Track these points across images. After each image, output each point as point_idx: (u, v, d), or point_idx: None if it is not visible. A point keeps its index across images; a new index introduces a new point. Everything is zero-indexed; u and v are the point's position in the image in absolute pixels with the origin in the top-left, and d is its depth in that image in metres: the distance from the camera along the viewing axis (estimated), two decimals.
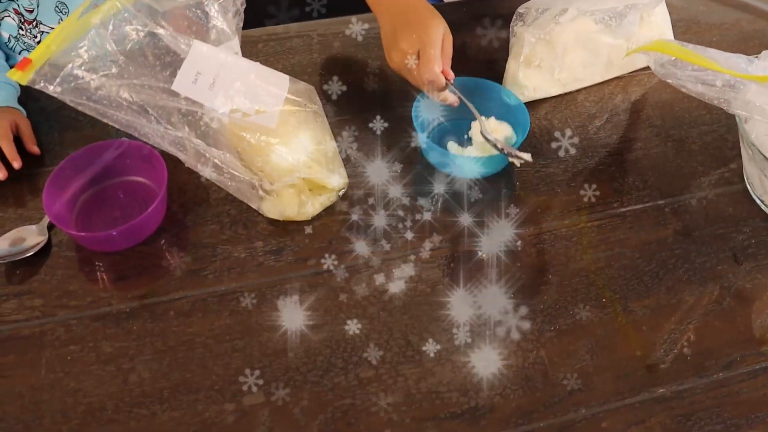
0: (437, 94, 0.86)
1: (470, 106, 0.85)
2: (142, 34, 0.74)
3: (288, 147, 0.77)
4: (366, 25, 1.00)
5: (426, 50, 0.82)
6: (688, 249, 0.82)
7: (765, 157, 0.79)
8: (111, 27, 0.73)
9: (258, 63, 0.79)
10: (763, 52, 0.86)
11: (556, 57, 0.96)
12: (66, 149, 0.86)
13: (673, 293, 0.78)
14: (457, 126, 0.89)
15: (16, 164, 0.84)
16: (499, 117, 0.89)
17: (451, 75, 0.85)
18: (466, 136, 0.89)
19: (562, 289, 0.77)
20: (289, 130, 0.78)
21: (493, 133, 0.86)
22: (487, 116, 0.88)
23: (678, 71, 0.80)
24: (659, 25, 1.04)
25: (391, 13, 0.88)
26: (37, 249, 0.78)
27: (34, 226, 0.79)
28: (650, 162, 0.90)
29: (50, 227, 0.80)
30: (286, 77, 0.80)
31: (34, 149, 0.87)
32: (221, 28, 0.78)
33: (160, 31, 0.74)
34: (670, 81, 0.81)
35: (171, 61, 0.75)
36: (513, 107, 0.89)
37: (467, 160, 0.85)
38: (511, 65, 0.97)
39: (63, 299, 0.75)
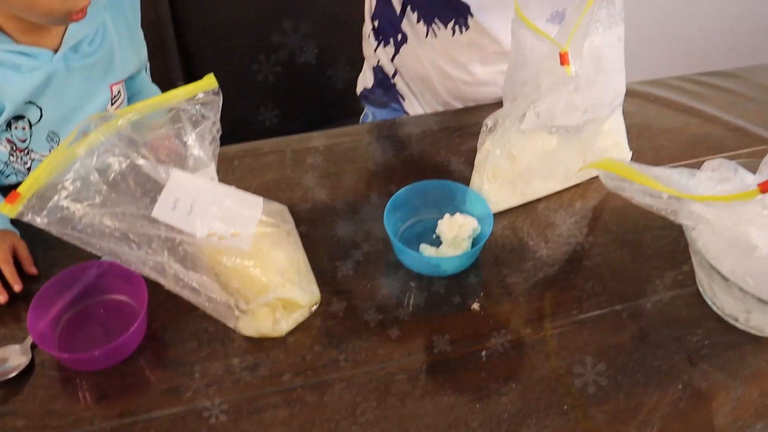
0: None
1: None
2: (124, 164, 0.79)
3: (262, 268, 0.82)
4: (335, 140, 1.06)
5: None
6: (644, 352, 0.86)
7: (711, 265, 0.85)
8: (95, 158, 0.78)
9: (233, 187, 0.84)
10: (705, 163, 0.92)
11: (518, 172, 1.02)
12: (50, 268, 0.90)
13: (632, 397, 0.82)
14: (428, 226, 0.96)
15: (17, 287, 0.88)
16: (465, 212, 0.95)
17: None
18: (434, 235, 0.95)
19: (525, 397, 0.81)
20: (264, 251, 0.83)
21: (461, 227, 0.92)
22: (452, 213, 0.94)
23: (626, 185, 0.86)
24: (615, 134, 1.11)
25: None
26: (20, 370, 0.80)
27: (17, 346, 0.82)
28: (608, 267, 0.95)
29: (33, 346, 0.83)
30: (260, 199, 0.85)
31: (32, 270, 0.91)
32: (198, 156, 0.83)
33: (141, 161, 0.79)
34: (620, 193, 0.87)
35: (151, 189, 0.80)
36: (477, 204, 0.96)
37: (440, 261, 0.91)
38: (476, 178, 1.02)
39: (46, 419, 0.77)
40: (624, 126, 1.12)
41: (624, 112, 1.15)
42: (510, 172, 1.02)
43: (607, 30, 0.99)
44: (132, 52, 1.14)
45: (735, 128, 1.20)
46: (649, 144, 1.16)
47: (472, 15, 1.17)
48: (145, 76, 1.25)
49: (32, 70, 1.00)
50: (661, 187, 0.80)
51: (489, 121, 1.03)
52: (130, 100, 1.21)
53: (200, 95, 0.84)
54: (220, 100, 0.86)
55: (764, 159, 0.87)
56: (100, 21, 1.06)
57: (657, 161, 1.12)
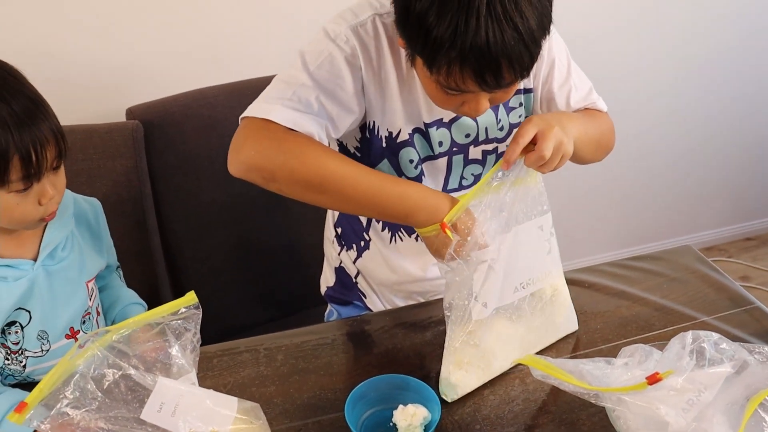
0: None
1: None
2: (117, 374, 0.92)
3: None
4: (303, 338, 1.20)
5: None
6: None
7: None
8: (92, 369, 0.91)
9: (211, 390, 0.97)
10: (622, 349, 1.07)
11: (481, 356, 1.15)
12: None
13: None
14: (386, 415, 1.07)
15: None
16: (417, 402, 1.07)
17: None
18: (390, 424, 1.06)
19: None
20: None
21: (413, 416, 1.04)
22: (405, 404, 1.06)
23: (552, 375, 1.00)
24: (565, 307, 1.26)
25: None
26: None
27: None
28: None
29: None
30: (235, 399, 0.98)
31: None
32: (181, 364, 0.96)
33: (131, 371, 0.92)
34: (547, 381, 1.00)
35: (140, 394, 0.92)
36: (425, 393, 1.08)
37: None
38: (444, 370, 1.14)
39: None
40: (572, 305, 1.28)
41: None
42: (475, 358, 1.15)
43: (528, 221, 1.17)
44: (97, 253, 1.32)
45: (661, 308, 1.35)
46: (584, 328, 1.31)
47: None
48: (119, 280, 1.42)
49: (17, 279, 1.16)
50: (575, 381, 0.93)
51: (447, 319, 1.14)
52: (111, 305, 1.37)
53: (182, 310, 0.99)
54: (200, 313, 1.00)
55: (667, 345, 1.02)
56: (68, 229, 1.24)
57: (591, 343, 1.27)
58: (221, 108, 1.70)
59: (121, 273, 1.45)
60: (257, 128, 1.12)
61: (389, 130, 1.25)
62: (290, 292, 1.85)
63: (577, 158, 1.23)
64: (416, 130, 1.27)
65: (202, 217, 1.73)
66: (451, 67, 1.01)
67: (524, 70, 1.04)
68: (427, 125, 1.26)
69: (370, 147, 1.28)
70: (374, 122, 1.25)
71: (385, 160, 1.29)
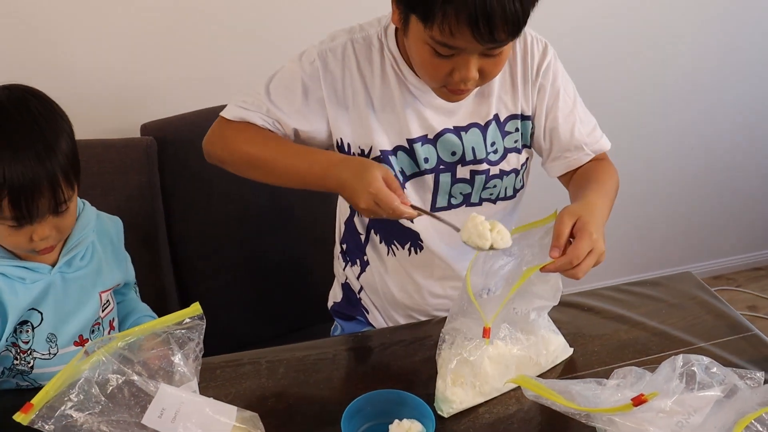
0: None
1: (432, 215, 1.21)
2: (120, 380, 0.95)
3: None
4: (304, 352, 1.24)
5: (382, 199, 1.13)
6: None
7: None
8: (97, 374, 0.95)
9: (211, 398, 1.00)
10: (615, 371, 1.09)
11: (476, 374, 1.18)
12: None
13: None
14: (382, 430, 1.09)
15: None
16: (410, 416, 1.09)
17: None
18: None
19: None
20: None
21: (408, 431, 1.07)
22: (401, 419, 1.09)
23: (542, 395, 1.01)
24: (555, 339, 1.29)
25: (338, 168, 1.20)
26: None
27: None
28: None
29: None
30: (234, 408, 1.01)
31: None
32: (183, 372, 0.99)
33: (135, 377, 0.95)
34: (539, 401, 1.02)
35: (142, 399, 0.95)
36: (420, 409, 1.10)
37: None
38: (440, 384, 1.17)
39: None
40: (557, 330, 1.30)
41: (557, 321, 1.33)
42: (470, 376, 1.17)
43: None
44: (116, 267, 1.36)
45: (659, 333, 1.36)
46: (582, 350, 1.32)
47: (422, 241, 1.39)
48: (135, 295, 1.46)
49: (34, 282, 1.21)
50: (565, 402, 0.95)
51: (446, 336, 1.19)
52: (125, 317, 1.41)
53: (186, 320, 1.03)
54: (203, 324, 1.04)
55: (658, 368, 1.03)
56: (89, 241, 1.29)
57: (587, 366, 1.29)
58: None
59: (137, 290, 1.49)
60: (213, 127, 1.36)
61: (361, 147, 1.33)
62: (297, 308, 1.88)
63: None
64: (399, 147, 1.32)
65: (212, 232, 1.77)
66: (447, 17, 1.07)
67: (515, 28, 1.09)
68: (412, 141, 1.31)
69: None
70: (342, 139, 1.33)
71: None
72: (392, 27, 1.29)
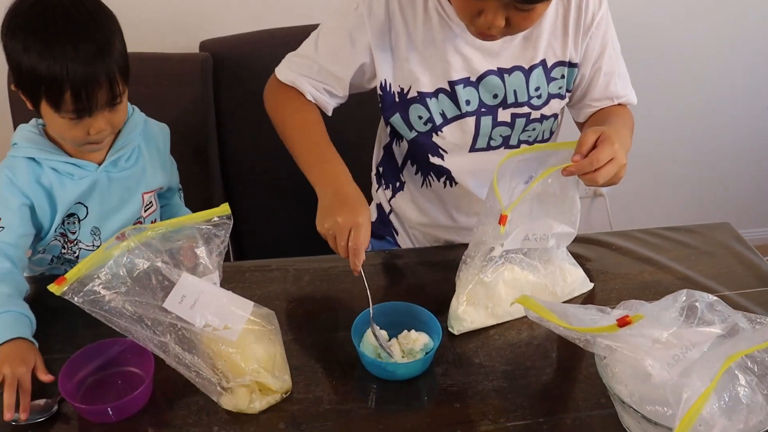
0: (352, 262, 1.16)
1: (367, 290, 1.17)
2: (146, 265, 1.03)
3: (243, 356, 1.03)
4: (331, 264, 1.30)
5: (359, 231, 1.14)
6: None
7: (612, 390, 1.01)
8: (125, 258, 1.03)
9: (230, 292, 1.07)
10: (621, 303, 1.10)
11: (490, 296, 1.22)
12: (83, 341, 1.11)
13: None
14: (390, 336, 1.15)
15: (23, 416, 1.03)
16: (420, 329, 1.15)
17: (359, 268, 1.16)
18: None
19: None
20: (246, 343, 1.04)
21: (414, 341, 1.13)
22: (409, 330, 1.14)
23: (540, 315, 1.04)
24: (574, 271, 1.31)
25: (328, 191, 1.22)
26: (48, 416, 1.03)
27: (49, 399, 1.05)
28: (539, 387, 1.12)
29: (61, 400, 1.05)
30: (251, 303, 1.07)
31: (47, 378, 1.06)
32: (206, 265, 1.07)
33: (160, 264, 1.03)
34: (542, 324, 1.05)
35: (165, 286, 1.03)
36: (430, 323, 1.15)
37: (394, 366, 1.10)
38: (454, 302, 1.22)
39: None
40: (578, 267, 1.32)
41: (583, 257, 1.35)
42: (483, 297, 1.21)
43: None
44: (161, 171, 1.44)
45: (684, 277, 1.37)
46: (602, 287, 1.34)
47: (455, 177, 1.42)
48: (179, 200, 1.54)
49: (81, 178, 1.30)
50: (567, 325, 0.98)
51: (466, 257, 1.24)
52: (164, 217, 1.49)
53: (215, 218, 1.09)
54: (230, 223, 1.10)
55: (660, 300, 1.04)
56: (135, 144, 1.37)
57: (605, 302, 1.29)
58: (289, 49, 1.77)
59: (182, 195, 1.57)
60: (271, 80, 1.45)
61: (401, 86, 1.36)
62: None
63: None
64: (441, 90, 1.34)
65: (262, 150, 1.83)
66: None
67: None
68: (453, 83, 1.33)
69: (384, 102, 1.40)
70: (386, 80, 1.36)
71: (397, 114, 1.39)
72: None
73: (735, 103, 2.56)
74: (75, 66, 1.15)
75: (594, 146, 1.15)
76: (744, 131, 2.63)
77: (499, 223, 1.13)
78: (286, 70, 1.40)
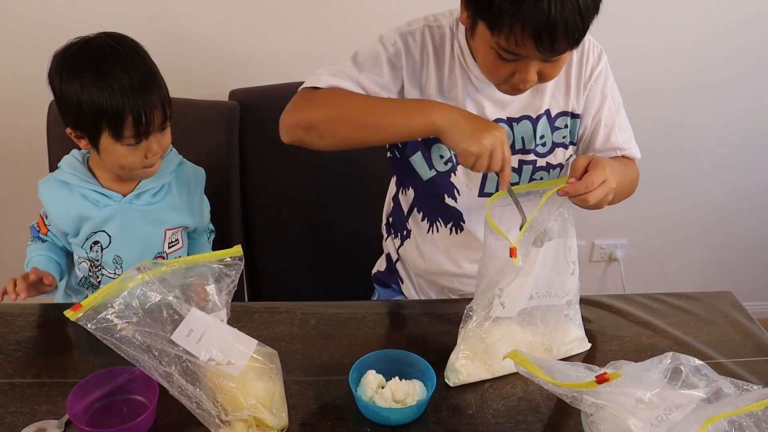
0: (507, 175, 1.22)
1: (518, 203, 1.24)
2: (159, 298, 1.09)
3: (242, 392, 1.08)
4: (336, 310, 1.35)
5: (507, 145, 1.20)
6: None
7: None
8: (139, 290, 1.09)
9: (235, 329, 1.12)
10: (610, 363, 1.13)
11: (487, 352, 1.26)
12: (93, 368, 1.18)
13: None
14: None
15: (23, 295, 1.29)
16: (415, 378, 1.19)
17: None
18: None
19: None
20: (247, 379, 1.09)
21: (407, 396, 1.16)
22: (405, 378, 1.19)
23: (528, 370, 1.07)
24: (575, 329, 1.34)
25: (453, 116, 1.23)
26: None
27: (56, 421, 1.10)
28: None
29: (68, 423, 1.10)
30: (255, 341, 1.13)
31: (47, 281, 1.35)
32: (215, 302, 1.12)
33: (171, 298, 1.09)
34: (531, 379, 1.09)
35: (175, 319, 1.09)
36: (425, 371, 1.19)
37: (388, 412, 1.13)
38: (452, 356, 1.26)
39: None
40: (581, 325, 1.35)
41: (583, 318, 1.38)
42: (481, 353, 1.25)
43: (558, 239, 1.26)
44: (187, 211, 1.53)
45: (681, 343, 1.39)
46: (599, 347, 1.37)
47: (464, 221, 1.47)
48: (206, 241, 1.62)
49: (105, 206, 1.42)
50: (554, 381, 1.01)
51: (468, 310, 1.27)
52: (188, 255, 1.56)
53: (227, 259, 1.15)
54: (242, 264, 1.16)
55: (645, 361, 1.07)
56: (165, 181, 1.48)
57: (601, 363, 1.27)
58: None
59: (212, 237, 1.65)
60: (297, 97, 1.36)
61: None
62: (351, 277, 1.99)
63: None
64: None
65: (282, 195, 1.91)
66: (513, 29, 1.14)
67: (575, 41, 1.17)
68: None
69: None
70: None
71: (419, 152, 1.45)
72: None
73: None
74: (133, 93, 1.30)
75: (586, 170, 1.22)
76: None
77: (511, 256, 1.18)
78: (325, 78, 1.33)
